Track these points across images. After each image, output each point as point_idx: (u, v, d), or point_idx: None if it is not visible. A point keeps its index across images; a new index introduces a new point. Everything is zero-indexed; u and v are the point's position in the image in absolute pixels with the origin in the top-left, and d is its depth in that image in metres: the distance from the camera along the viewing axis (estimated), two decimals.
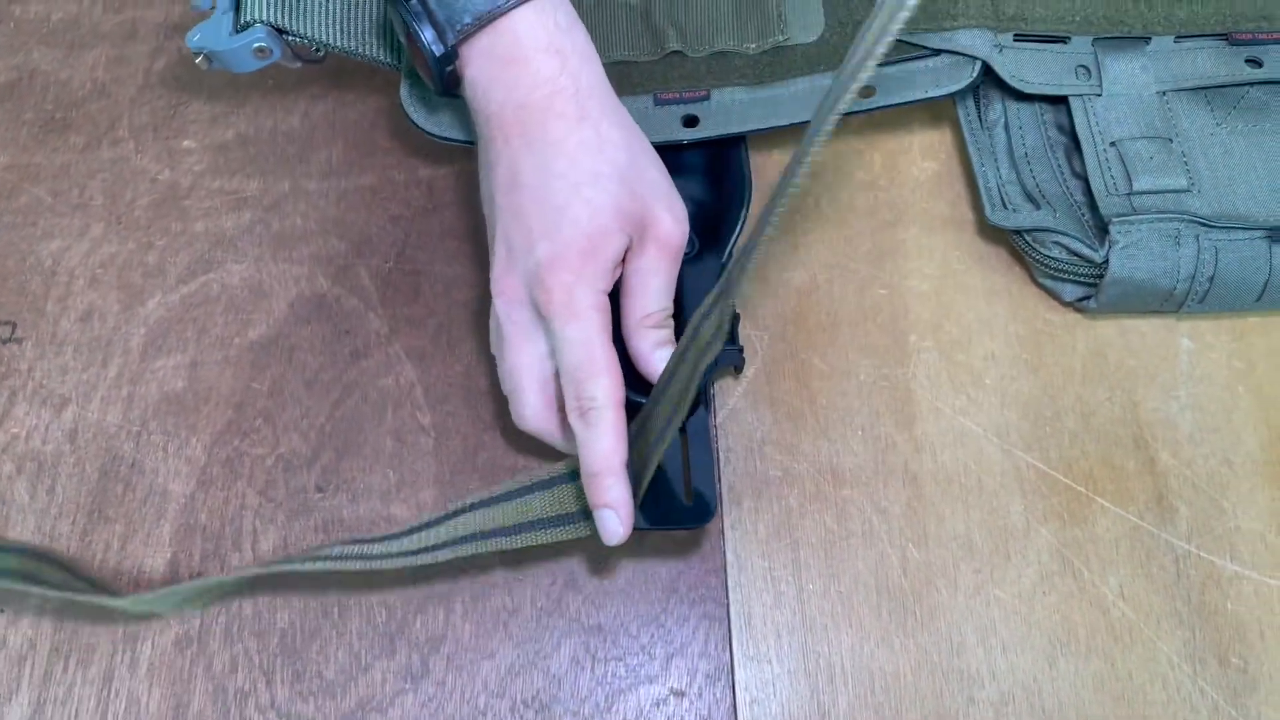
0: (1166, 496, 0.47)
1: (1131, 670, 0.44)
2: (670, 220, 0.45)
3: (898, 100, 0.50)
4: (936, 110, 0.55)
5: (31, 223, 0.54)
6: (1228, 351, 0.50)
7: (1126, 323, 0.50)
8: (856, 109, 0.50)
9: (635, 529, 0.43)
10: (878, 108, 0.50)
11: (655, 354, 0.44)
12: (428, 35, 0.43)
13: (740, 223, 0.50)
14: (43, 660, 0.45)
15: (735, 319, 0.50)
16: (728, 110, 0.51)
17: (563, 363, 0.42)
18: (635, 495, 0.43)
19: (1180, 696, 0.43)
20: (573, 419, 0.42)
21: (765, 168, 0.54)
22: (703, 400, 0.46)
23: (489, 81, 0.44)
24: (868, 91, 0.50)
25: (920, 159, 0.54)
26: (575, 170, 0.42)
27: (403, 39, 0.46)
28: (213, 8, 0.49)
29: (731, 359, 0.49)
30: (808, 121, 0.50)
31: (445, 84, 0.45)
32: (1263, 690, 0.43)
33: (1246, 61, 0.51)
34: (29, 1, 0.60)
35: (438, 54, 0.43)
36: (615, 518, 0.42)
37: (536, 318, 0.43)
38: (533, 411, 0.44)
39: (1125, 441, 0.48)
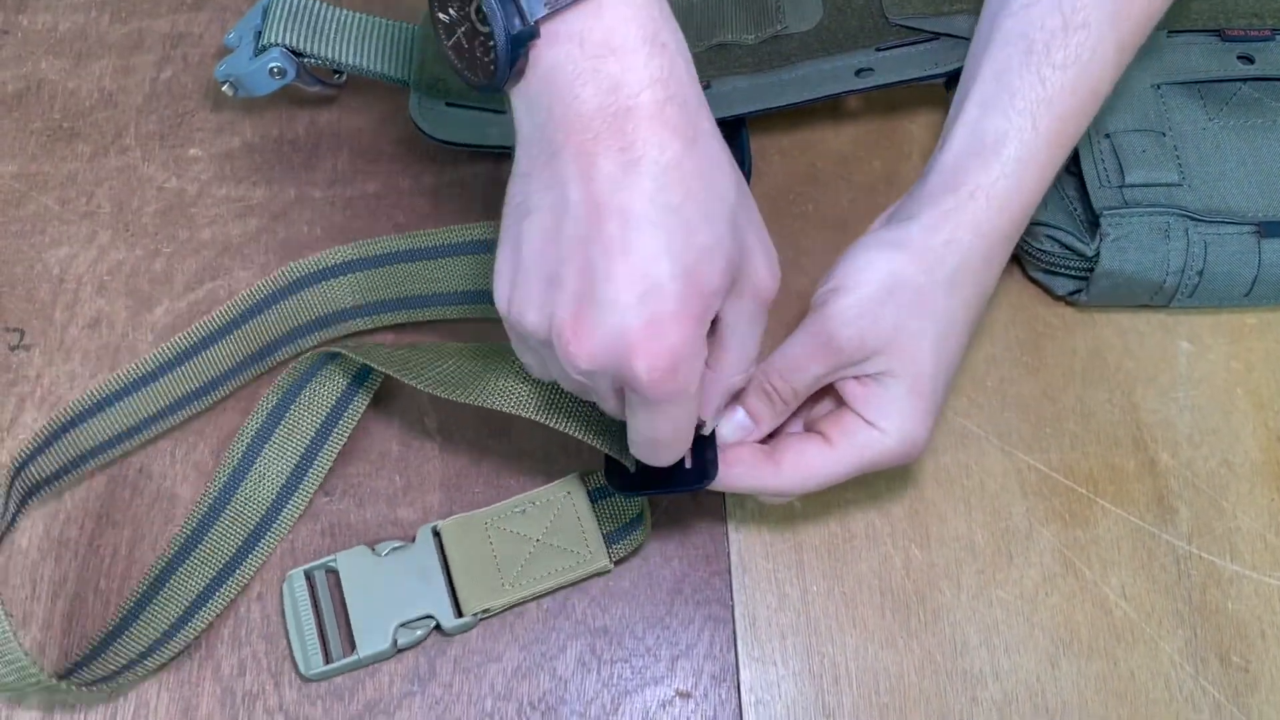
0: (1167, 497, 0.47)
1: (1134, 669, 0.44)
2: (767, 267, 0.38)
3: (895, 78, 0.51)
4: (935, 117, 0.56)
5: (40, 230, 0.54)
6: (1226, 354, 0.50)
7: (1125, 325, 0.51)
8: (854, 88, 0.51)
9: (641, 493, 0.44)
10: (875, 87, 0.51)
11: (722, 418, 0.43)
12: (504, 8, 0.35)
13: None
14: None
15: None
16: (729, 96, 0.52)
17: (642, 433, 0.39)
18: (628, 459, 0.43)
19: (1182, 695, 0.44)
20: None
21: (765, 149, 0.54)
22: None
23: (575, 74, 0.35)
24: (865, 74, 0.51)
25: (920, 163, 0.55)
26: (690, 204, 0.35)
27: (448, 19, 0.37)
28: (239, 43, 0.53)
29: None
30: (806, 100, 0.51)
31: (509, 75, 0.36)
32: (1264, 689, 0.44)
33: (1239, 58, 0.52)
34: (36, 12, 0.60)
35: (514, 31, 0.34)
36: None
37: (615, 382, 0.37)
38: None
39: (1125, 443, 0.48)
